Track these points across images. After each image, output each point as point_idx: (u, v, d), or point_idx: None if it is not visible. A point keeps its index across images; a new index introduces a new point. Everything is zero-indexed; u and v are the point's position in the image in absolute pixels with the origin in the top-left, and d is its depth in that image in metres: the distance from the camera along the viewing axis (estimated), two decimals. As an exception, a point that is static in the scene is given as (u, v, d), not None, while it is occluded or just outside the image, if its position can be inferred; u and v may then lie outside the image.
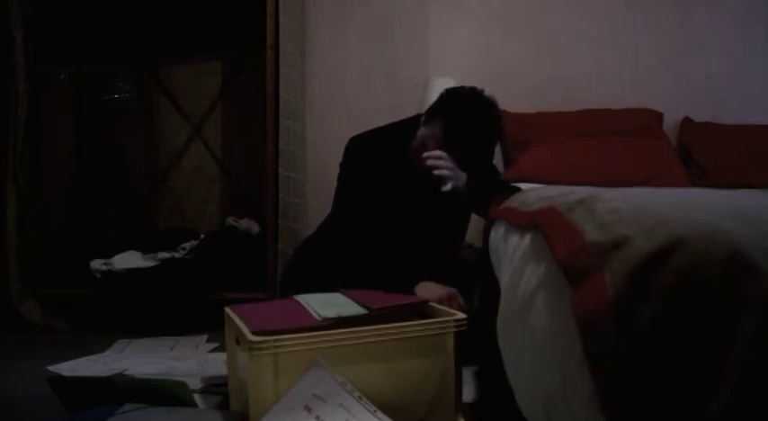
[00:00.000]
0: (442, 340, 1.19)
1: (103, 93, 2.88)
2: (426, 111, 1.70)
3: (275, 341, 1.05)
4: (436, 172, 1.59)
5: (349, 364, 1.10)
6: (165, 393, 1.23)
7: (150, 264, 2.26)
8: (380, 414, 1.06)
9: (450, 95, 1.67)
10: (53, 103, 2.61)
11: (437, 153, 1.60)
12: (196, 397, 1.31)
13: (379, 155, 1.73)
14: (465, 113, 1.60)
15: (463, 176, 1.63)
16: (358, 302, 1.25)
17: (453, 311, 1.24)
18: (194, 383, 1.46)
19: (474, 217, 1.85)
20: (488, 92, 1.65)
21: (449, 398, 1.20)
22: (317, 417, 1.03)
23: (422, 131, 1.66)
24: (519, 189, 1.56)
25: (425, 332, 1.17)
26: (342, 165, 1.78)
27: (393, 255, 1.63)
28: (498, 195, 1.36)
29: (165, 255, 2.31)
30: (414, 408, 1.17)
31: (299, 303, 1.28)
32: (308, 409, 1.04)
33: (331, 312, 1.18)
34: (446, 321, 1.20)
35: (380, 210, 1.69)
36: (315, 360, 1.08)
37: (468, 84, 1.71)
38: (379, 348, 1.13)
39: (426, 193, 1.65)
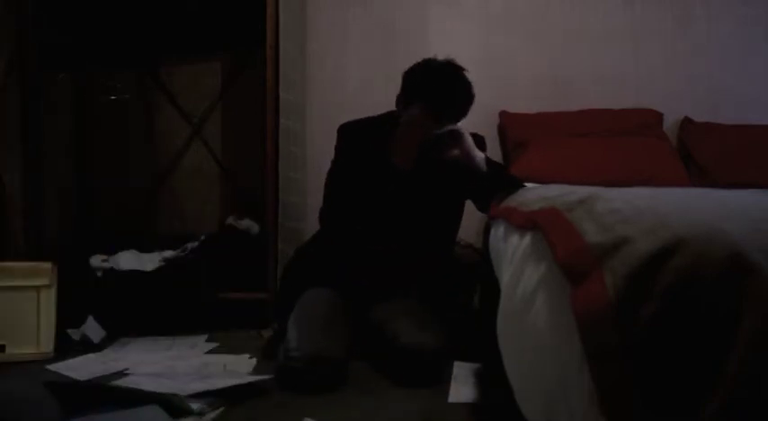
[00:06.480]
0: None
1: (103, 93, 2.87)
2: (399, 98, 1.72)
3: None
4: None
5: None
6: (163, 404, 1.24)
7: (150, 263, 2.26)
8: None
9: (418, 74, 1.70)
10: (53, 103, 2.60)
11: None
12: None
13: (368, 140, 1.74)
14: (441, 83, 1.64)
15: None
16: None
17: None
18: (194, 387, 1.41)
19: (474, 217, 1.85)
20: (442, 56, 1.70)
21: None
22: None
23: (404, 119, 1.66)
24: (523, 185, 1.56)
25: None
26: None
27: (382, 244, 1.64)
28: (506, 187, 1.36)
29: (165, 254, 2.31)
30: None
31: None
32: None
33: None
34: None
35: (368, 195, 1.68)
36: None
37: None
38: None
39: (412, 182, 1.65)
